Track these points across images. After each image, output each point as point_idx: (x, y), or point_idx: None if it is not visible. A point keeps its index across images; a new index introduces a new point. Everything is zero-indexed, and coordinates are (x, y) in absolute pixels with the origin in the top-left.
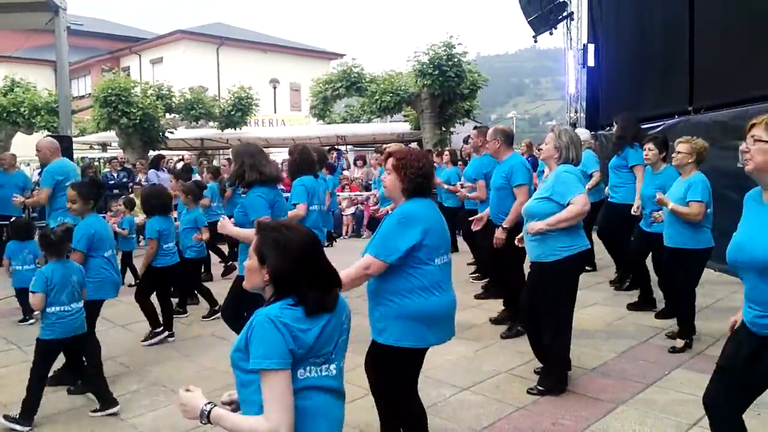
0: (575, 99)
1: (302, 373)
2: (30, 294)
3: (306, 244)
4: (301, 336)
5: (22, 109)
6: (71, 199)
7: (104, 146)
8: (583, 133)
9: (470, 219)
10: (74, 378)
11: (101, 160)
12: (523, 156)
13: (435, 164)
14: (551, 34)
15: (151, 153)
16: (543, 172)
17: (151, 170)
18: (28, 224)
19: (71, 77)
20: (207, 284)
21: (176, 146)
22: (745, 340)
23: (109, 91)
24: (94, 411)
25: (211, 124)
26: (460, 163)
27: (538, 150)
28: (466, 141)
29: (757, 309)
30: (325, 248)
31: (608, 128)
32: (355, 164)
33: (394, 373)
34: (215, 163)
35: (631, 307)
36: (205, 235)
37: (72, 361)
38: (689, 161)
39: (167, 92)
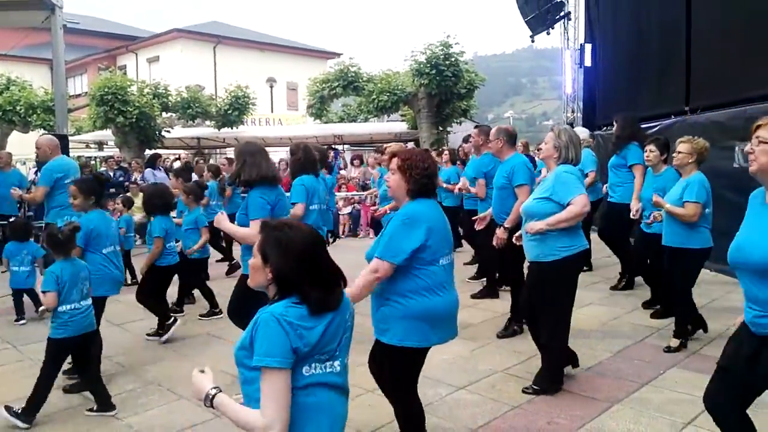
0: (572, 99)
1: (307, 369)
2: (41, 294)
3: (308, 243)
4: (306, 334)
5: (18, 108)
6: (72, 194)
7: (101, 145)
8: (582, 132)
9: (473, 219)
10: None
11: (97, 159)
12: None
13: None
14: (548, 33)
15: (148, 152)
16: (540, 172)
17: (148, 169)
18: (27, 225)
19: (67, 76)
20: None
21: (173, 145)
22: (746, 340)
23: (106, 89)
24: (90, 410)
25: (207, 123)
26: (458, 162)
27: (538, 150)
28: (466, 140)
29: (756, 309)
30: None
31: (605, 128)
32: (352, 164)
33: (396, 373)
34: (212, 162)
35: (655, 315)
36: (205, 236)
37: (79, 359)
38: (690, 161)
39: (164, 91)
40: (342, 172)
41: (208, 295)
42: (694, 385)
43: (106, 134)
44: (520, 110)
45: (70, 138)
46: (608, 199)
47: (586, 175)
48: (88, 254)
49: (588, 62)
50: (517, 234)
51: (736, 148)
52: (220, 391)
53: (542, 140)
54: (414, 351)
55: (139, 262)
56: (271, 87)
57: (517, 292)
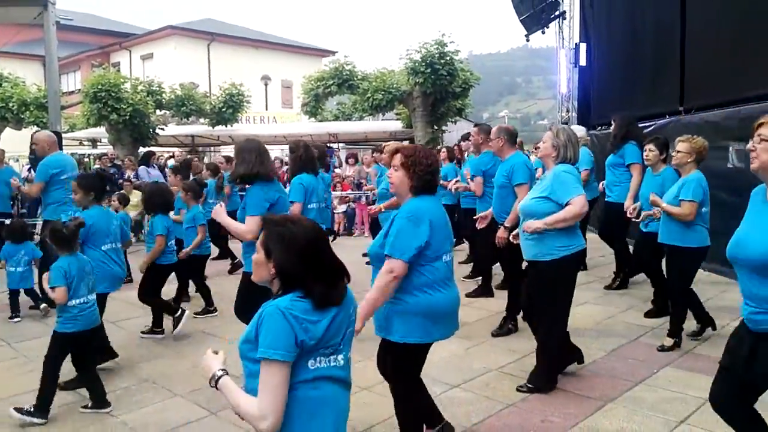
0: (567, 98)
1: (312, 363)
2: (50, 291)
3: (310, 238)
4: (312, 327)
5: (10, 105)
6: (73, 189)
7: (94, 142)
8: (579, 130)
9: (474, 218)
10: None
11: (91, 156)
12: None
13: None
14: (543, 33)
15: (142, 149)
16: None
17: (142, 167)
18: (24, 226)
19: (60, 72)
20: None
21: (166, 143)
22: (744, 337)
23: (99, 86)
24: (85, 407)
25: (201, 120)
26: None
27: (536, 149)
28: (465, 138)
29: (752, 305)
30: None
31: (600, 128)
32: (346, 162)
33: (399, 369)
34: (206, 160)
35: (649, 315)
36: (201, 234)
37: (79, 355)
38: (688, 160)
39: (158, 88)
40: (337, 170)
41: (206, 293)
42: (688, 384)
43: (100, 131)
44: (515, 109)
45: (63, 135)
46: (606, 199)
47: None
48: (87, 251)
49: (583, 62)
50: (514, 233)
51: (730, 149)
52: (227, 374)
53: (538, 139)
54: (416, 347)
55: (134, 260)
56: (266, 85)
57: (515, 290)
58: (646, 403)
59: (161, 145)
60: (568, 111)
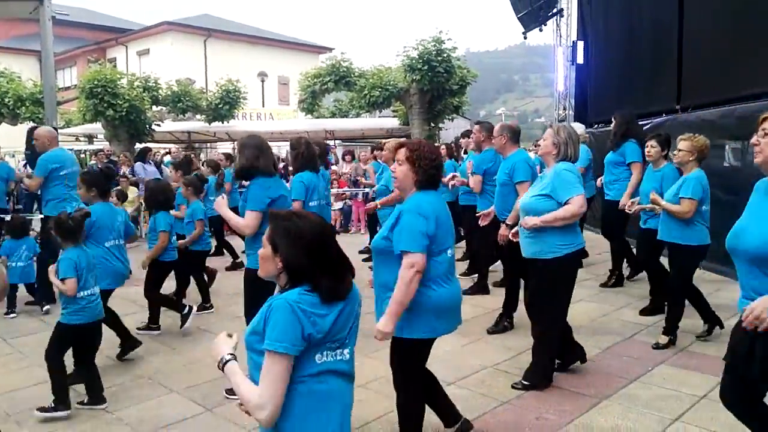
0: (564, 96)
1: (319, 357)
2: (59, 282)
3: (317, 233)
4: (320, 321)
5: (6, 100)
6: (77, 184)
7: (90, 138)
8: (578, 128)
9: (477, 215)
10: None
11: (87, 152)
12: None
13: None
14: (541, 30)
15: (138, 145)
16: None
17: (138, 163)
18: (24, 222)
19: (57, 68)
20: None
21: (163, 139)
22: (742, 332)
23: (95, 82)
24: (81, 403)
25: (198, 117)
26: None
27: (536, 146)
28: (467, 135)
29: (749, 298)
30: None
31: (597, 126)
32: (343, 159)
33: (402, 364)
34: (203, 156)
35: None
36: (199, 229)
37: (80, 350)
38: (690, 159)
39: (154, 84)
40: (333, 167)
41: (204, 289)
42: (682, 382)
43: (96, 127)
44: (512, 107)
45: (59, 131)
46: (605, 197)
47: None
48: (90, 247)
49: (580, 59)
50: (513, 231)
51: (727, 147)
52: (235, 358)
53: (535, 137)
54: (421, 343)
55: (132, 255)
56: (263, 81)
57: (514, 288)
58: (640, 400)
59: (157, 141)
60: (565, 109)
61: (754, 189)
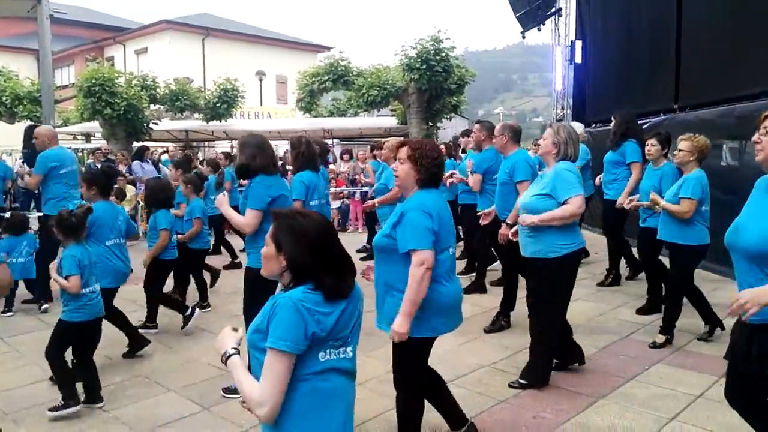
0: (562, 95)
1: (323, 355)
2: (61, 280)
3: (320, 232)
4: (324, 319)
5: (4, 98)
6: (80, 182)
7: (88, 137)
8: (577, 128)
9: (478, 214)
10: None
11: (85, 151)
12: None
13: None
14: (539, 30)
15: (136, 144)
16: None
17: (135, 162)
18: (24, 219)
19: (54, 66)
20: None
21: (161, 138)
22: (743, 331)
23: (93, 81)
24: (78, 402)
25: (196, 115)
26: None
27: (535, 146)
28: (467, 134)
29: None
30: None
31: (595, 125)
32: (341, 158)
33: (404, 363)
34: (200, 155)
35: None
36: (195, 226)
37: (80, 348)
38: (690, 159)
39: (152, 83)
40: (331, 166)
41: (202, 287)
42: (679, 381)
43: (94, 126)
44: (510, 106)
45: (57, 130)
46: (604, 196)
47: None
48: (91, 245)
49: (578, 59)
50: (513, 230)
51: (724, 147)
52: (239, 353)
53: (532, 137)
54: (422, 342)
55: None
56: (261, 80)
57: (512, 287)
58: (637, 399)
59: (155, 140)
60: (563, 108)
61: (755, 186)
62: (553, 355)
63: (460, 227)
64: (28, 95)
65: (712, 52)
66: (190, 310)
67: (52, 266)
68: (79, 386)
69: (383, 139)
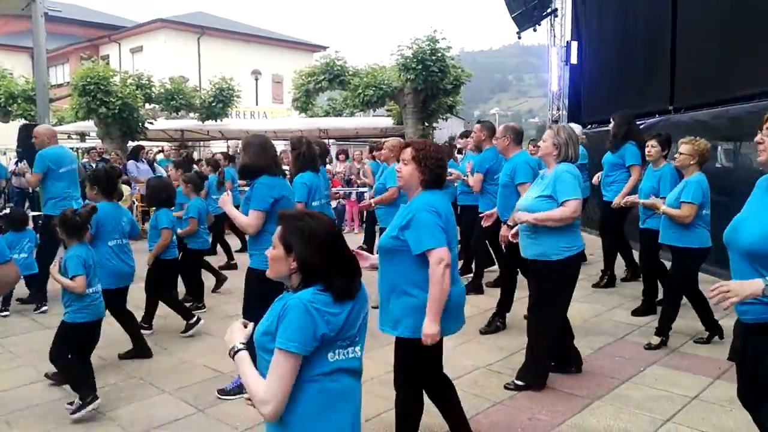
0: (558, 96)
1: (332, 356)
2: (66, 281)
3: (329, 233)
4: (333, 320)
5: None
6: (86, 183)
7: (83, 136)
8: (576, 129)
9: (480, 215)
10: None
11: (80, 150)
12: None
13: None
14: (535, 30)
15: (131, 143)
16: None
17: (131, 161)
18: (24, 214)
19: (49, 65)
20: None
21: (156, 137)
22: (739, 330)
23: (88, 79)
24: (71, 403)
25: (191, 115)
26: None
27: (535, 147)
28: (466, 135)
29: None
30: None
31: (590, 126)
32: (337, 158)
33: (406, 364)
34: (196, 155)
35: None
36: (190, 226)
37: (80, 348)
38: (691, 162)
39: (147, 82)
40: (327, 166)
41: (198, 288)
42: (674, 383)
43: (89, 125)
44: (506, 107)
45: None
46: (603, 198)
47: None
48: (93, 245)
49: (574, 60)
50: (513, 231)
51: (719, 148)
52: (247, 349)
53: (528, 138)
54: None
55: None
56: (257, 79)
57: (510, 288)
58: (632, 401)
59: (150, 140)
60: (559, 109)
61: (756, 185)
62: (553, 356)
63: (458, 228)
64: (23, 94)
65: (706, 54)
66: (195, 318)
67: (54, 269)
68: (69, 387)
69: (383, 140)
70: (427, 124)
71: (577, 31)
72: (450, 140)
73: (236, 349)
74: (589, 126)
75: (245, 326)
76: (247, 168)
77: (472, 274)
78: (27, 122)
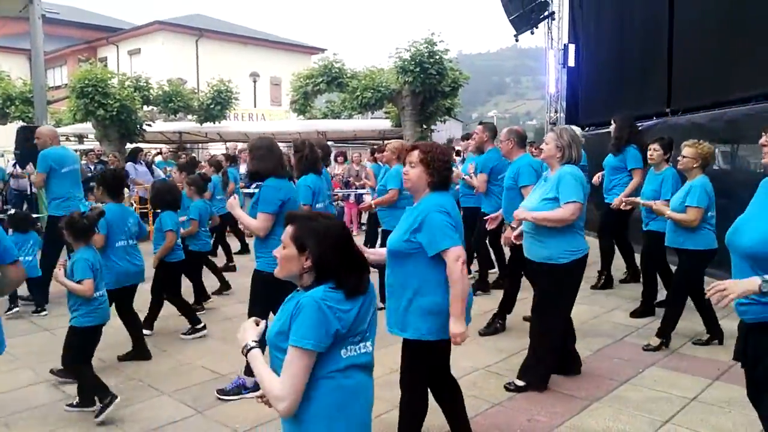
0: (555, 99)
1: (345, 352)
2: (73, 284)
3: (342, 233)
4: (345, 316)
5: None
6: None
7: (81, 138)
8: (577, 131)
9: (485, 218)
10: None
11: (78, 152)
12: None
13: None
14: (532, 33)
15: (129, 146)
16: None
17: (129, 163)
18: (28, 216)
19: (47, 67)
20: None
21: (154, 139)
22: (741, 330)
23: (86, 81)
24: (71, 405)
25: (189, 117)
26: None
27: (537, 149)
28: (467, 137)
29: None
30: None
31: (587, 128)
32: (335, 161)
33: (413, 365)
34: (193, 155)
35: (635, 314)
36: (191, 227)
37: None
38: (694, 165)
39: (145, 84)
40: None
41: (200, 291)
42: (673, 384)
43: (87, 127)
44: (503, 109)
45: None
46: (605, 200)
47: None
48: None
49: (571, 62)
50: (515, 233)
51: (716, 150)
52: (259, 346)
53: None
54: (431, 345)
55: None
56: (255, 82)
57: (512, 290)
58: (631, 402)
59: (148, 142)
60: (556, 111)
61: (759, 186)
62: (556, 357)
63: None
64: (20, 96)
65: (703, 56)
66: (201, 325)
67: (59, 273)
68: (73, 388)
69: (384, 141)
70: (425, 126)
71: (574, 34)
72: (449, 142)
73: (249, 347)
74: (587, 128)
75: (257, 324)
76: (256, 173)
77: (471, 275)
78: (25, 124)
